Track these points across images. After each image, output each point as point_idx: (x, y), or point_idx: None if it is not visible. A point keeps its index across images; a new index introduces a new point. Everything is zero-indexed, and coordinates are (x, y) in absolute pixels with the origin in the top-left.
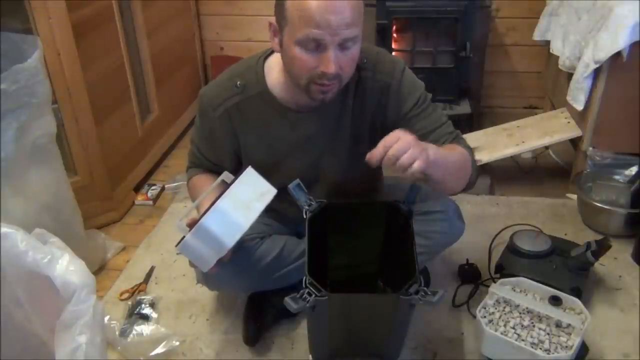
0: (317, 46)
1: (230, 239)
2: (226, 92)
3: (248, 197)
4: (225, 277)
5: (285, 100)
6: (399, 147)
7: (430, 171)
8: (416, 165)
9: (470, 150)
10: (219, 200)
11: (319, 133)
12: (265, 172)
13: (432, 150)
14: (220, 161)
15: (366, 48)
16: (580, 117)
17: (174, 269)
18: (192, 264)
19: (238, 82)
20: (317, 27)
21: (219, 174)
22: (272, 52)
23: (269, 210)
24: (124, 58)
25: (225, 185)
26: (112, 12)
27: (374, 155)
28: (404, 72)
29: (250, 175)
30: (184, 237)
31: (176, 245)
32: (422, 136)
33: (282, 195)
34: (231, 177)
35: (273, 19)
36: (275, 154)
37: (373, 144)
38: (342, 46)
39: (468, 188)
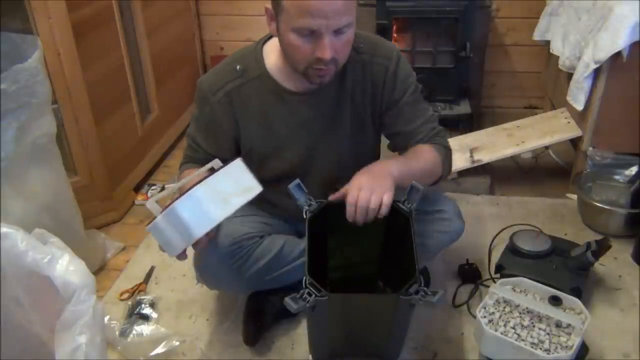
0: (312, 33)
1: (199, 230)
2: (226, 77)
3: (228, 189)
4: (224, 276)
5: (284, 83)
6: (363, 200)
7: (397, 185)
8: (385, 206)
9: (446, 150)
10: (196, 187)
11: (317, 117)
12: (264, 158)
13: (395, 168)
14: (220, 152)
15: (362, 33)
16: (580, 117)
17: (174, 269)
18: (161, 248)
19: (237, 67)
20: (312, 17)
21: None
22: (270, 37)
23: (269, 205)
24: (124, 58)
25: (212, 173)
26: (112, 12)
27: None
28: (401, 57)
29: (236, 167)
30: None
31: (146, 225)
32: (408, 127)
33: (282, 185)
34: (220, 164)
35: (269, 4)
36: (274, 139)
37: (375, 130)
38: (337, 32)
39: (436, 183)
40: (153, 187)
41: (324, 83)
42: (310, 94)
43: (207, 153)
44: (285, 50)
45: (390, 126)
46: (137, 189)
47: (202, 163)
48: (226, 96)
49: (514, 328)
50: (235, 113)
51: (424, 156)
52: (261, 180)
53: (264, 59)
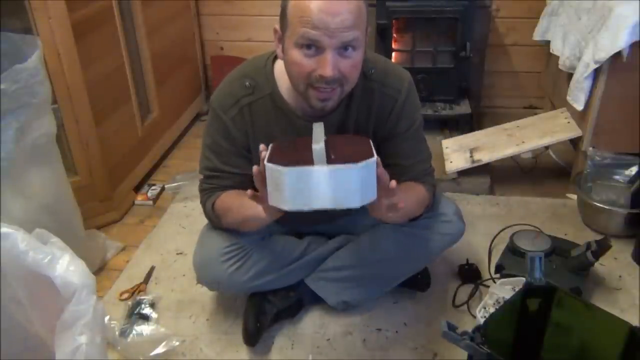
0: (316, 49)
1: (361, 198)
2: (238, 93)
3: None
4: (224, 278)
5: (293, 105)
6: (398, 210)
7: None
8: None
9: (433, 190)
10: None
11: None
12: None
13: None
14: (244, 167)
15: (373, 57)
16: (580, 117)
17: (174, 269)
18: (277, 196)
19: (247, 83)
20: (314, 27)
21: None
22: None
23: None
24: (124, 58)
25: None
26: (112, 12)
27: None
28: (411, 90)
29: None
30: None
31: (284, 165)
32: (403, 162)
33: None
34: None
35: (278, 25)
36: None
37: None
38: (342, 50)
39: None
40: (153, 187)
41: (326, 108)
42: (317, 119)
43: (238, 175)
44: (288, 69)
45: (387, 156)
46: (137, 189)
47: (225, 188)
48: (239, 112)
49: None
50: (247, 129)
51: (418, 197)
52: None
53: (275, 78)
